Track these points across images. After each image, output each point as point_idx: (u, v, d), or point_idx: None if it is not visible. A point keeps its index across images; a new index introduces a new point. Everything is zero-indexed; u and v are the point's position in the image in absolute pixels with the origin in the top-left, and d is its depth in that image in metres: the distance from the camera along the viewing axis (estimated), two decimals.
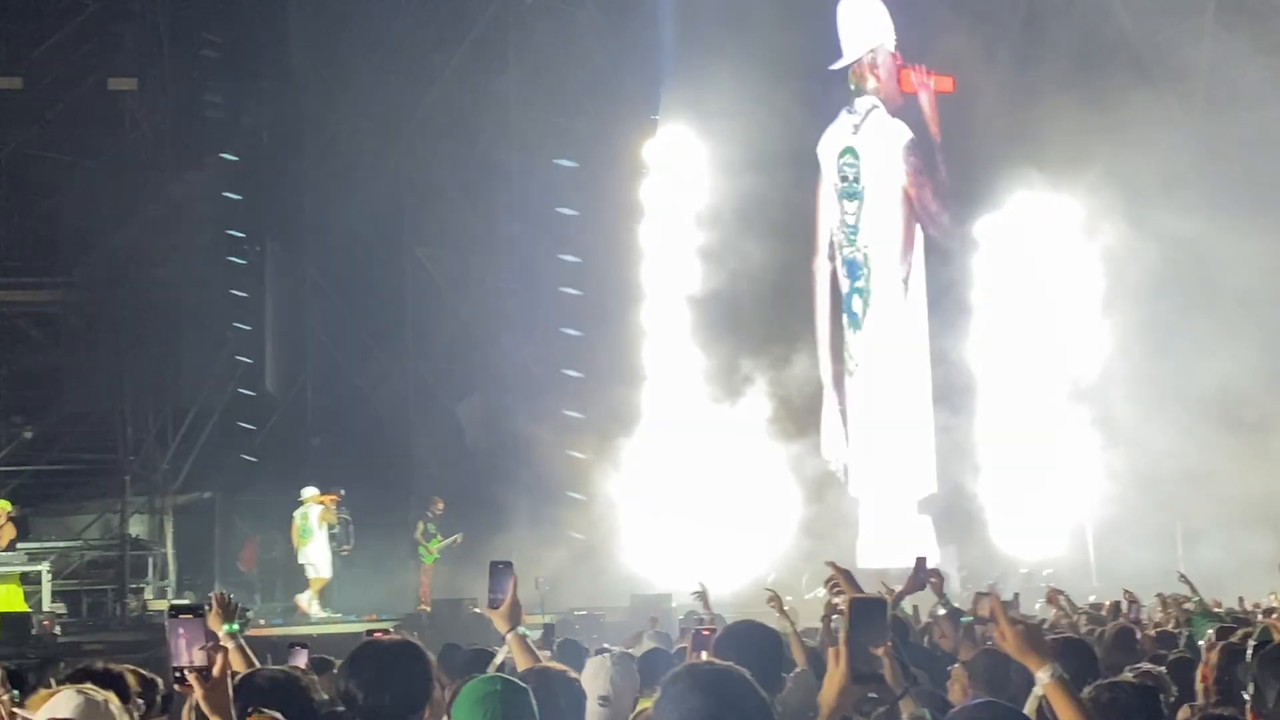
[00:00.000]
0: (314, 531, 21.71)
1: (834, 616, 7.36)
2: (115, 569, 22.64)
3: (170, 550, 23.61)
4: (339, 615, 21.58)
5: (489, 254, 25.23)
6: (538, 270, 25.00)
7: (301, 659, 6.83)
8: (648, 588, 21.14)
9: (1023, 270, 26.96)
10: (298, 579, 24.12)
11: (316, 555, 21.77)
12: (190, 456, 23.61)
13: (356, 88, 24.55)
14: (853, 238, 25.54)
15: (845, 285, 25.64)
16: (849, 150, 25.67)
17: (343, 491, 22.14)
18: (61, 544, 22.66)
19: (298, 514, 22.01)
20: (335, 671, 5.69)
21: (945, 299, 26.23)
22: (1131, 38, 27.93)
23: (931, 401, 25.92)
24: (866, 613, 3.99)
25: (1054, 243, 26.73)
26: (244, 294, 24.75)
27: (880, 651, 4.00)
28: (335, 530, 21.95)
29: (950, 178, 26.79)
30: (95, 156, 23.16)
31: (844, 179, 25.64)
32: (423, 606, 21.77)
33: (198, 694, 3.84)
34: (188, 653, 3.85)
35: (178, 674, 3.86)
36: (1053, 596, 11.55)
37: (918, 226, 25.93)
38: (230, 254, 24.57)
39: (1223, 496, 25.30)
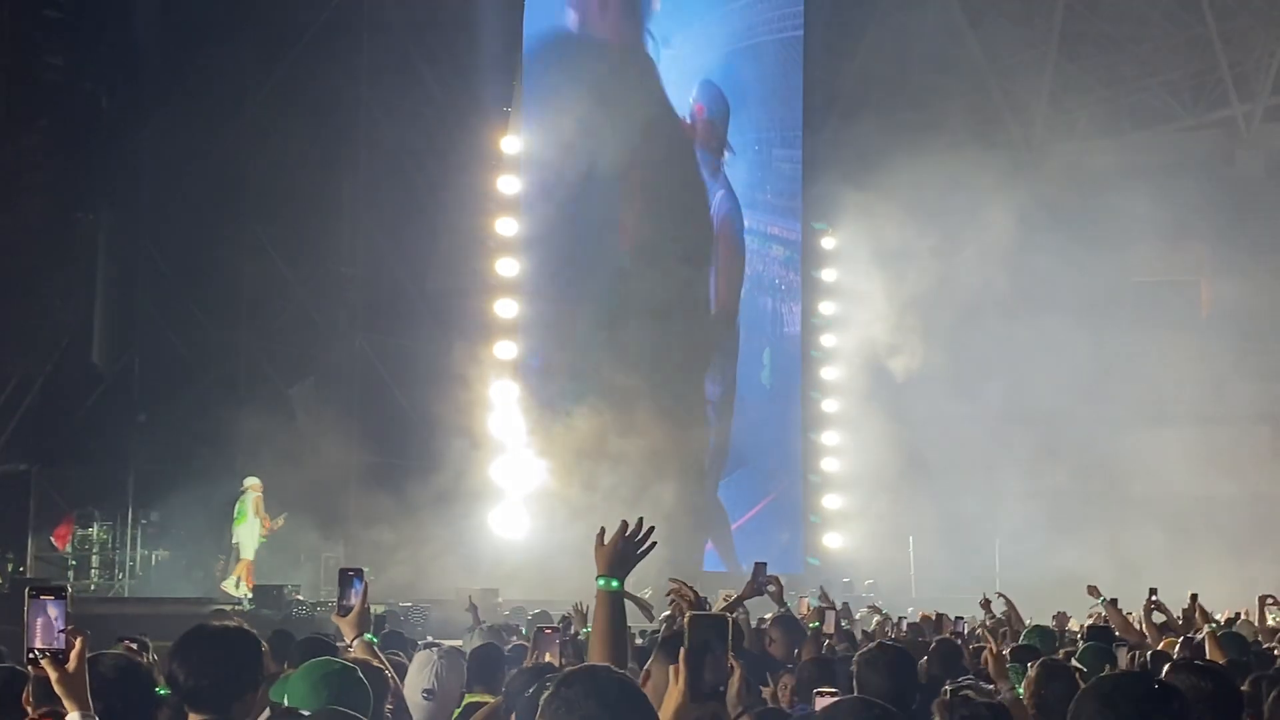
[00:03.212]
0: (248, 516, 21.72)
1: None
2: None
3: None
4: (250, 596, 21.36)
5: (333, 237, 24.86)
6: (381, 257, 24.71)
7: None
8: (475, 582, 21.06)
9: (861, 289, 27.49)
10: (114, 556, 23.53)
11: (245, 537, 21.87)
12: (9, 427, 22.82)
13: (203, 58, 23.96)
14: None
15: None
16: None
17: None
18: None
19: (238, 500, 21.97)
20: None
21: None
22: (978, 63, 28.59)
23: None
24: (707, 630, 3.93)
25: (887, 266, 27.26)
26: (74, 263, 23.98)
27: (733, 666, 3.98)
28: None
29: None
30: None
31: None
32: (244, 592, 21.40)
33: (52, 677, 3.81)
34: (45, 635, 3.81)
35: (32, 656, 3.82)
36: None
37: None
38: (62, 221, 23.77)
39: (1040, 514, 26.06)
